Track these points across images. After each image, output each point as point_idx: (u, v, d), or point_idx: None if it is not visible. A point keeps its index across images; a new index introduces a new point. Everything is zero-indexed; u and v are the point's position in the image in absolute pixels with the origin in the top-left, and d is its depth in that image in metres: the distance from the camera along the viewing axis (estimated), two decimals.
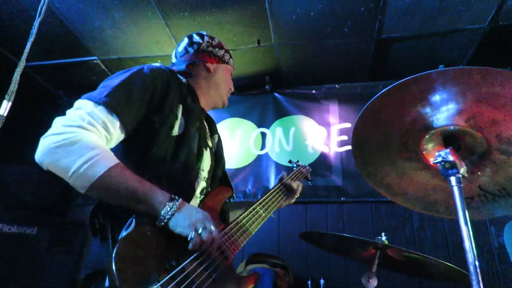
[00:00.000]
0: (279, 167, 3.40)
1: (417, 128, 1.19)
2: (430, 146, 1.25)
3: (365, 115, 1.20)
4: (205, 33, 1.60)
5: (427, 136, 1.22)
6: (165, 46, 3.18)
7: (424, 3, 2.67)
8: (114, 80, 1.18)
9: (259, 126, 3.63)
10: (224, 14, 2.82)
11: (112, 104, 1.09)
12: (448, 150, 1.11)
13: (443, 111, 1.11)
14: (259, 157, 3.49)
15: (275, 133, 3.56)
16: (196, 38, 1.56)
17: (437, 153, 1.13)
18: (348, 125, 3.47)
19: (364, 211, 3.13)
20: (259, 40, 3.10)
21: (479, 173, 1.25)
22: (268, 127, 3.61)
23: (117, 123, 1.11)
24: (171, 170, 1.20)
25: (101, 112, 1.08)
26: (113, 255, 0.84)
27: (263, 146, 3.53)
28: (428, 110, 1.13)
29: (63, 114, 1.09)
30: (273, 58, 3.35)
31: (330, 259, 2.97)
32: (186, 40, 1.58)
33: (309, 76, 3.62)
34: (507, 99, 1.01)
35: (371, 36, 3.03)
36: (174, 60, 1.58)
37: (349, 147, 3.37)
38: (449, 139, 1.19)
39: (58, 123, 1.04)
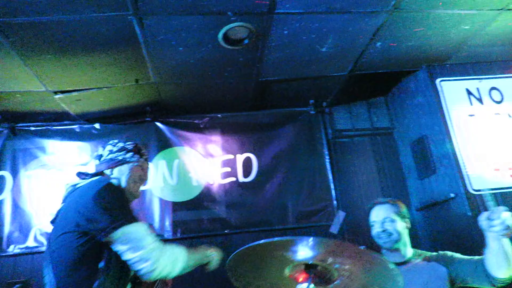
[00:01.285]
0: (163, 203, 3.36)
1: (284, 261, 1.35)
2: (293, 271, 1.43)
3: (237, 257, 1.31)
4: (116, 142, 1.87)
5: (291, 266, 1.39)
6: (25, 83, 2.76)
7: (297, 56, 2.89)
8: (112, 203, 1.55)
9: None
10: (96, 57, 2.58)
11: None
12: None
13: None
14: (141, 193, 3.39)
15: (158, 166, 3.48)
16: (108, 147, 1.85)
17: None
18: (231, 156, 3.60)
19: (248, 242, 3.35)
20: (137, 79, 2.94)
21: None
22: (150, 160, 3.50)
23: None
24: None
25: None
26: None
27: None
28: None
29: None
30: (154, 92, 3.23)
31: None
32: (101, 149, 1.86)
33: (193, 106, 3.60)
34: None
35: (251, 79, 3.16)
36: (97, 162, 1.85)
37: (233, 179, 3.52)
38: (308, 266, 1.38)
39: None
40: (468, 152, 2.96)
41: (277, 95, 3.57)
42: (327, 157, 3.67)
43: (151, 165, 3.47)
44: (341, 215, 3.38)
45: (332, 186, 3.57)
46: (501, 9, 2.54)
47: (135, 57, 2.65)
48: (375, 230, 2.11)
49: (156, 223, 3.29)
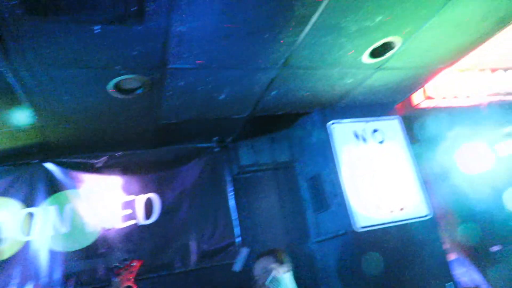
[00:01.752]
0: (53, 254, 3.07)
1: None
2: None
3: None
4: None
5: None
6: None
7: (196, 102, 2.89)
8: None
9: (26, 206, 3.15)
10: None
11: None
12: None
13: None
14: (27, 245, 3.06)
15: (48, 213, 3.18)
16: None
17: None
18: (131, 197, 3.44)
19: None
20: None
21: None
22: (37, 206, 3.18)
23: None
24: None
25: None
26: None
27: (31, 231, 3.09)
28: None
29: None
30: (40, 134, 2.94)
31: None
32: None
33: (87, 146, 3.36)
34: None
35: (150, 122, 3.07)
36: None
37: (133, 222, 3.37)
38: None
39: None
40: (355, 191, 3.25)
41: (180, 133, 3.52)
42: (232, 193, 3.72)
43: (38, 212, 3.15)
44: (244, 252, 3.45)
45: (235, 223, 3.62)
46: (378, 67, 2.86)
47: (14, 104, 2.39)
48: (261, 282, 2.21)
49: (44, 278, 2.99)
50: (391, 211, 3.28)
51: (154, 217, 3.46)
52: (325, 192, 3.46)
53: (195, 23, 1.94)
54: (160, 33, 1.98)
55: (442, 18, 2.38)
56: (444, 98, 4.19)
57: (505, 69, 4.42)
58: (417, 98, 4.17)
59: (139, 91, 2.51)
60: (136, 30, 1.93)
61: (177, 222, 3.48)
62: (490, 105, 4.39)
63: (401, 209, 3.30)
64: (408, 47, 2.64)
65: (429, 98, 4.15)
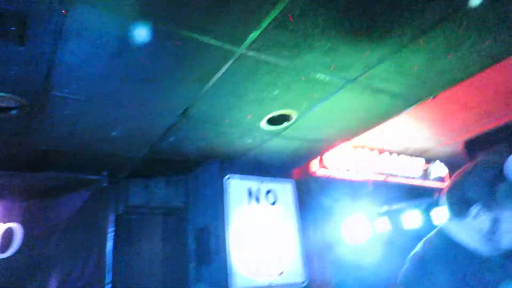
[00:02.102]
0: None
1: None
2: None
3: None
4: None
5: None
6: None
7: (85, 134, 2.68)
8: None
9: None
10: None
11: None
12: None
13: None
14: None
15: None
16: None
17: None
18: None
19: None
20: None
21: None
22: None
23: None
24: None
25: None
26: None
27: None
28: None
29: None
30: None
31: None
32: None
33: None
34: None
35: (27, 146, 2.75)
36: None
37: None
38: None
39: None
40: (238, 250, 3.23)
41: (65, 160, 3.21)
42: (112, 233, 3.43)
43: None
44: None
45: (109, 267, 3.31)
46: (276, 134, 2.99)
47: None
48: None
49: None
50: (270, 275, 3.31)
51: (11, 251, 3.01)
52: (210, 247, 3.39)
53: (85, 56, 1.83)
54: (44, 58, 1.82)
55: (333, 103, 2.61)
56: (338, 169, 4.52)
57: (391, 152, 4.98)
58: (314, 166, 4.44)
59: (14, 112, 2.24)
60: (17, 50, 1.76)
61: (39, 258, 3.07)
62: (375, 183, 4.86)
63: (280, 274, 3.35)
64: (304, 121, 2.82)
65: (324, 167, 4.45)
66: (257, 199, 3.54)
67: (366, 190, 4.81)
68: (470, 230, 1.18)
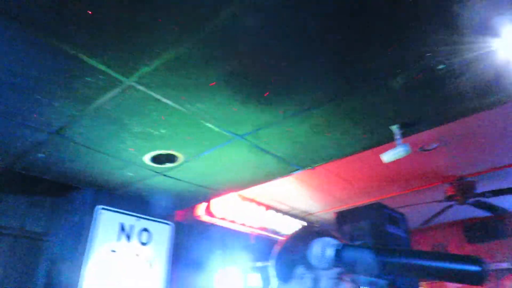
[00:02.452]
0: None
1: None
2: None
3: None
4: None
5: None
6: None
7: None
8: None
9: None
10: None
11: None
12: None
13: None
14: None
15: None
16: None
17: None
18: None
19: None
20: None
21: None
22: None
23: None
24: None
25: None
26: None
27: None
28: None
29: None
30: None
31: None
32: None
33: None
34: None
35: None
36: None
37: None
38: None
39: None
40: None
41: None
42: None
43: None
44: None
45: None
46: (159, 173, 2.88)
47: None
48: None
49: None
50: None
51: None
52: (62, 282, 2.98)
53: None
54: None
55: (222, 154, 2.63)
56: (223, 218, 4.51)
57: (277, 210, 5.18)
58: (200, 211, 4.36)
59: None
60: None
61: None
62: (258, 237, 4.94)
63: None
64: (191, 165, 2.78)
65: (210, 213, 4.40)
66: (128, 237, 3.29)
67: (248, 243, 4.85)
68: None
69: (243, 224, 4.72)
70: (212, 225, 4.57)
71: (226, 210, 4.52)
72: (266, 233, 5.02)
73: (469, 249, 6.36)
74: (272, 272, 1.28)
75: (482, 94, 2.05)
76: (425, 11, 1.48)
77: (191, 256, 4.22)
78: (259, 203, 4.98)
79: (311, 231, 1.23)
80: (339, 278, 1.14)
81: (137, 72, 1.76)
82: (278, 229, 5.12)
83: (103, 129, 2.25)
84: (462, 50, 1.69)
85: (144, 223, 3.45)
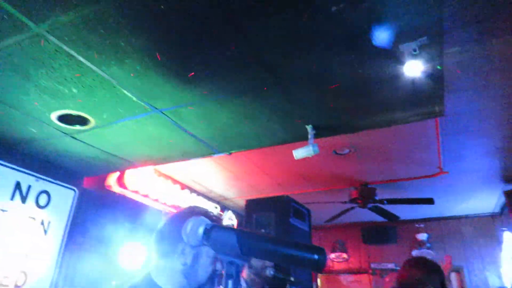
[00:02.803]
0: None
1: None
2: None
3: None
4: None
5: None
6: None
7: None
8: None
9: None
10: None
11: None
12: None
13: None
14: None
15: None
16: None
17: None
18: None
19: None
20: None
21: None
22: None
23: None
24: None
25: None
26: None
27: None
28: None
29: None
30: None
31: None
32: None
33: None
34: None
35: None
36: None
37: None
38: None
39: None
40: None
41: None
42: None
43: None
44: None
45: None
46: (67, 134, 2.69)
47: None
48: None
49: None
50: (12, 282, 2.80)
51: None
52: None
53: None
54: None
55: (137, 125, 2.55)
56: (135, 191, 4.38)
57: (192, 191, 5.17)
58: (112, 180, 4.19)
59: None
60: None
61: None
62: (168, 214, 4.89)
63: (24, 284, 2.88)
64: (103, 132, 2.65)
65: (123, 185, 4.24)
66: (24, 198, 3.05)
67: (159, 220, 4.77)
68: (171, 270, 1.25)
69: (156, 200, 4.64)
70: (124, 197, 4.41)
71: (139, 183, 4.39)
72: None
73: (363, 248, 7.02)
74: (153, 247, 1.29)
75: (390, 109, 2.26)
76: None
77: (97, 227, 4.03)
78: (176, 181, 4.93)
79: (192, 211, 1.27)
80: (216, 257, 1.20)
81: (48, 20, 1.61)
82: None
83: (3, 75, 2.03)
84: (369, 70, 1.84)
85: (44, 185, 3.22)
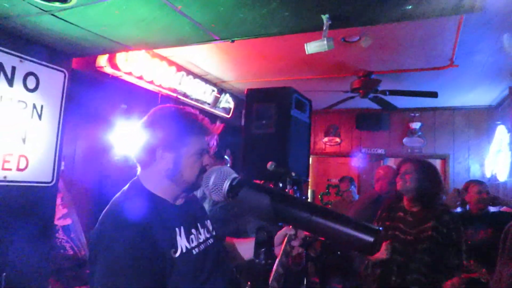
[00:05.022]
0: None
1: None
2: None
3: None
4: None
5: None
6: None
7: None
8: None
9: None
10: None
11: None
12: None
13: None
14: None
15: None
16: None
17: None
18: None
19: None
20: None
21: None
22: None
23: None
24: None
25: None
26: None
27: None
28: None
29: None
30: None
31: None
32: None
33: None
34: None
35: None
36: None
37: None
38: None
39: None
40: None
41: None
42: None
43: None
44: None
45: None
46: (47, 11, 2.35)
47: None
48: None
49: None
50: (8, 168, 2.84)
51: None
52: None
53: None
54: None
55: (126, 4, 2.21)
56: (129, 73, 4.15)
57: (189, 73, 4.94)
58: (102, 61, 3.92)
59: None
60: None
61: None
62: (165, 97, 4.77)
63: (22, 169, 2.92)
64: (87, 11, 2.30)
65: (115, 66, 4.00)
66: (10, 81, 2.84)
67: (154, 103, 4.67)
68: (156, 175, 1.28)
69: (151, 82, 4.44)
70: (117, 79, 4.21)
71: (133, 64, 4.14)
72: (175, 95, 4.87)
73: (355, 134, 7.21)
74: (135, 158, 1.35)
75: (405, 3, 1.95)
76: None
77: (90, 110, 3.94)
78: (171, 62, 4.66)
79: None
80: (202, 152, 1.29)
81: None
82: (188, 92, 4.98)
83: None
84: None
85: (29, 66, 2.97)
